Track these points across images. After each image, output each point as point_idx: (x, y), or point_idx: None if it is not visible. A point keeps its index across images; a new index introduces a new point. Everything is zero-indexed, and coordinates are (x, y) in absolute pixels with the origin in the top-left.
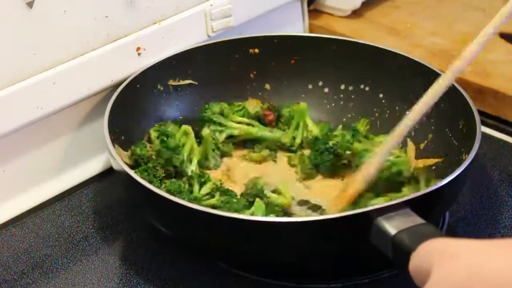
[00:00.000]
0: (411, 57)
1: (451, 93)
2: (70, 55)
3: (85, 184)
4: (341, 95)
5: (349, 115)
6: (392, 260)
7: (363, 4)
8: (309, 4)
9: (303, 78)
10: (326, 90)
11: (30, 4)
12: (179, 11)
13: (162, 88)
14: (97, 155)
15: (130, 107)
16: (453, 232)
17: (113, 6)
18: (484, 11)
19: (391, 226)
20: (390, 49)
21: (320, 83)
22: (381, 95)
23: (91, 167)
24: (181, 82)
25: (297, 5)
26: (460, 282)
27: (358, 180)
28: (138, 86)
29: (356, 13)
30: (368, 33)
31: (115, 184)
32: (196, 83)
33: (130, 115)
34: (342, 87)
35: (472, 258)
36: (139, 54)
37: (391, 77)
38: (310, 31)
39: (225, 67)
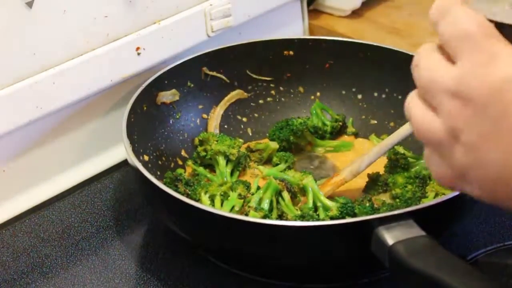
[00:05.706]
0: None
1: None
2: (70, 55)
3: (84, 184)
4: (373, 102)
5: (385, 122)
6: (389, 270)
7: (363, 4)
8: (309, 4)
9: (337, 83)
10: (359, 96)
11: (30, 4)
12: (178, 11)
13: (192, 85)
14: (95, 156)
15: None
16: (452, 232)
17: (113, 6)
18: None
19: (389, 236)
20: None
21: (354, 89)
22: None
23: (90, 168)
24: (215, 74)
25: (297, 5)
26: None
27: (347, 171)
28: (166, 82)
29: (356, 13)
30: (368, 33)
31: (114, 185)
32: (228, 81)
33: (147, 120)
34: (375, 94)
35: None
36: (138, 54)
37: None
38: (310, 31)
39: (258, 67)
